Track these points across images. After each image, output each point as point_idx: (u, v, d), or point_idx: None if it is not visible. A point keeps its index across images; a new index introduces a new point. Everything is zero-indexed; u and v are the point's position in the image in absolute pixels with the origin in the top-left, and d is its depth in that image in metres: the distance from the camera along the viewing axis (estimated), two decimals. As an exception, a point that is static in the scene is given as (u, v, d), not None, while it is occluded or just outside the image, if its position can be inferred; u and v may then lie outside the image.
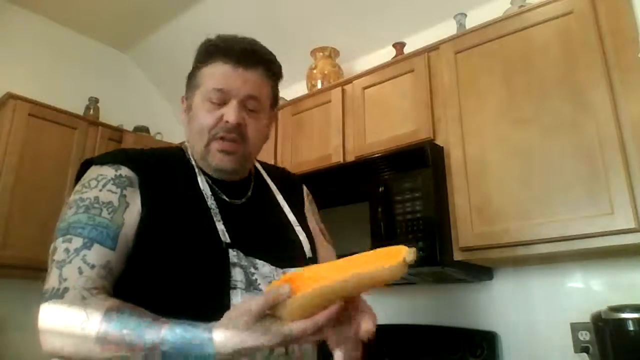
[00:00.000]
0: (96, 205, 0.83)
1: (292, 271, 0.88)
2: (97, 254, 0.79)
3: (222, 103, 0.92)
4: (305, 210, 1.10)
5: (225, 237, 0.87)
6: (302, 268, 0.75)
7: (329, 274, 0.67)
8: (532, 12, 1.71)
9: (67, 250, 0.78)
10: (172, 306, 0.74)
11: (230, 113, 0.90)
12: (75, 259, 0.77)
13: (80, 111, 2.84)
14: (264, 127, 0.98)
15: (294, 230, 1.00)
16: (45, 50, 3.00)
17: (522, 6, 1.83)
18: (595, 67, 1.52)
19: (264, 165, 1.13)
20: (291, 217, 1.02)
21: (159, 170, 0.92)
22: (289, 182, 1.13)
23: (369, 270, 0.66)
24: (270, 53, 0.99)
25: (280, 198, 1.04)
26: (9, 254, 2.25)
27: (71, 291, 0.74)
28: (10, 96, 2.47)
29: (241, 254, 0.86)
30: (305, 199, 1.13)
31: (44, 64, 2.96)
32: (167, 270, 0.83)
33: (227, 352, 0.66)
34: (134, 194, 0.87)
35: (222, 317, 0.74)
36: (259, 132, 0.96)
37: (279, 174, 1.14)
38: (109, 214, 0.83)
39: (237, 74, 0.92)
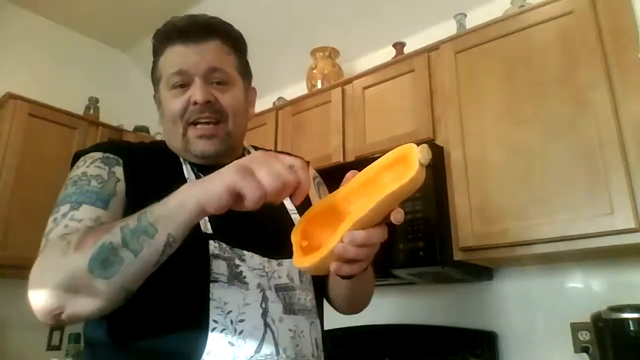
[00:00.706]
0: (84, 178, 0.80)
1: (287, 262, 0.84)
2: (84, 212, 0.75)
3: (186, 85, 0.86)
4: (309, 194, 1.02)
5: (206, 227, 0.81)
6: (321, 200, 0.71)
7: (351, 209, 0.65)
8: (532, 12, 1.71)
9: (54, 219, 0.76)
10: (149, 298, 0.72)
11: (196, 92, 0.85)
12: (62, 221, 0.74)
13: (80, 111, 2.83)
14: (239, 98, 0.91)
15: (290, 218, 0.92)
16: (45, 50, 3.00)
17: (522, 6, 1.83)
18: (595, 67, 1.52)
19: (260, 149, 1.05)
20: (288, 204, 0.93)
21: (143, 159, 0.89)
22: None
23: (392, 191, 0.62)
24: (225, 22, 0.92)
25: None
26: (9, 254, 2.25)
27: (50, 240, 0.72)
28: (10, 96, 2.47)
29: (224, 245, 0.80)
30: (312, 181, 1.04)
31: (44, 64, 2.96)
32: None
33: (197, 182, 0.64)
34: (121, 173, 0.84)
35: (201, 310, 0.72)
36: (235, 104, 0.89)
37: None
38: (98, 184, 0.79)
39: (191, 50, 0.86)
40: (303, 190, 0.64)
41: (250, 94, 0.99)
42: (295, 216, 0.92)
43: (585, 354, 1.56)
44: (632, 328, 1.38)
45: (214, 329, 0.74)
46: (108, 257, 0.63)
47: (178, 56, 0.87)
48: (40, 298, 0.65)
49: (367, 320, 2.07)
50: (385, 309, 2.09)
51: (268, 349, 0.76)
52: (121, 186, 0.82)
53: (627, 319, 1.39)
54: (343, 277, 0.71)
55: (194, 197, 0.63)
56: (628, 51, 1.48)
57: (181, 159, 0.92)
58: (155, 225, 0.64)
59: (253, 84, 1.01)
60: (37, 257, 0.70)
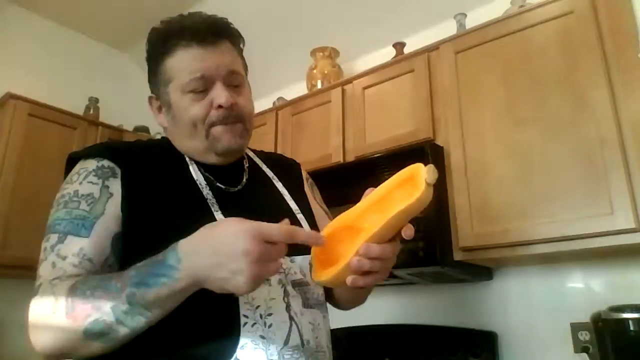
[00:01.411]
0: (75, 199, 0.80)
1: (298, 259, 0.86)
2: (69, 245, 0.76)
3: (205, 89, 0.86)
4: (307, 194, 1.05)
5: None
6: (332, 221, 0.76)
7: (365, 225, 0.69)
8: (532, 12, 1.71)
9: (45, 249, 0.77)
10: (187, 303, 0.71)
11: (220, 96, 0.85)
12: (50, 255, 0.76)
13: (80, 111, 2.83)
14: (250, 100, 0.94)
15: (295, 218, 0.93)
16: (45, 50, 3.00)
17: (522, 6, 1.83)
18: (595, 67, 1.52)
19: (256, 151, 1.07)
20: (292, 204, 0.95)
21: (145, 162, 0.87)
22: (286, 167, 1.07)
23: (400, 210, 0.67)
24: (227, 21, 0.92)
25: (279, 185, 0.98)
26: (9, 254, 2.25)
27: (43, 284, 0.73)
28: (10, 96, 2.46)
29: None
30: (305, 182, 1.08)
31: (44, 64, 2.96)
32: None
33: (191, 267, 0.64)
34: (117, 185, 0.82)
35: (231, 306, 0.74)
36: (249, 106, 0.92)
37: (275, 159, 1.08)
38: (87, 205, 0.79)
39: (208, 53, 0.85)
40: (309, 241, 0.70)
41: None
42: (300, 216, 0.94)
43: (585, 354, 1.56)
44: (632, 328, 1.38)
45: (245, 323, 0.75)
46: (103, 331, 0.66)
47: (196, 60, 0.85)
48: (41, 346, 0.71)
49: (367, 320, 2.08)
50: (385, 309, 2.09)
51: (295, 340, 0.79)
52: (113, 202, 0.81)
53: (627, 319, 1.39)
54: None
55: (197, 286, 0.66)
56: (628, 51, 1.48)
57: (187, 159, 0.91)
58: (150, 308, 0.66)
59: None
60: (33, 297, 0.73)
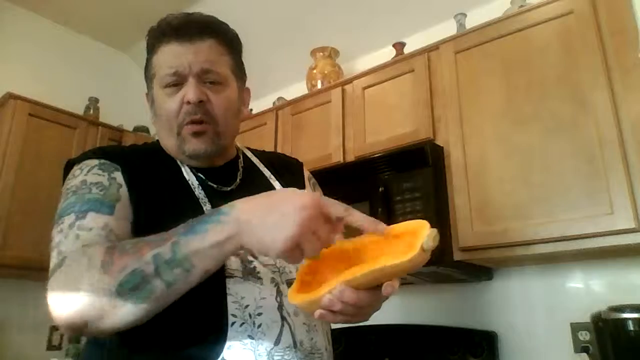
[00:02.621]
0: (84, 187, 0.78)
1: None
2: (92, 219, 0.73)
3: (180, 84, 0.86)
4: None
5: None
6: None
7: (360, 260, 0.67)
8: (532, 12, 1.71)
9: (60, 230, 0.73)
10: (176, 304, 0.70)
11: (189, 92, 0.84)
12: (71, 232, 0.72)
13: (80, 111, 2.84)
14: (231, 99, 0.90)
15: None
16: (45, 50, 3.00)
17: (522, 6, 1.83)
18: (595, 67, 1.52)
19: (256, 151, 1.06)
20: None
21: (139, 163, 0.87)
22: (286, 166, 1.05)
23: (386, 265, 0.65)
24: (221, 22, 0.91)
25: (277, 185, 0.96)
26: (9, 254, 2.25)
27: (69, 255, 0.68)
28: (10, 96, 2.47)
29: None
30: (307, 182, 1.06)
31: (44, 64, 2.96)
32: None
33: (242, 209, 0.62)
34: (121, 179, 0.82)
35: (219, 305, 0.73)
36: (226, 105, 0.89)
37: (275, 159, 1.07)
38: (100, 191, 0.78)
39: (185, 49, 0.85)
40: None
41: (244, 94, 0.98)
42: None
43: (585, 354, 1.56)
44: (632, 328, 1.38)
45: (233, 323, 0.74)
46: (139, 285, 0.62)
47: (172, 55, 0.86)
48: (64, 313, 0.64)
49: (367, 320, 2.08)
50: (385, 309, 2.07)
51: (286, 341, 0.77)
52: (124, 191, 0.80)
53: (627, 319, 1.39)
54: None
55: (238, 240, 0.62)
56: (628, 51, 1.48)
57: (178, 162, 0.91)
58: (191, 259, 0.62)
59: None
60: (54, 271, 0.68)
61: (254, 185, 0.93)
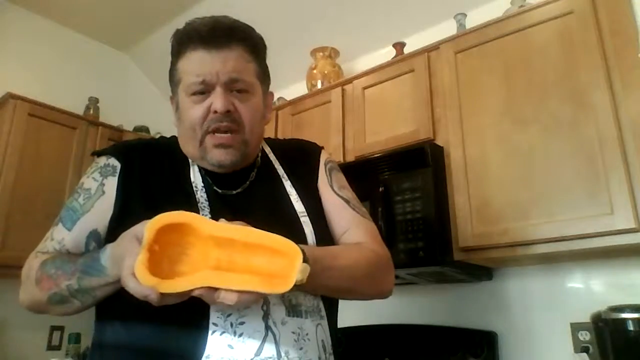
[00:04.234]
0: (79, 190, 0.91)
1: None
2: (57, 231, 0.89)
3: (207, 92, 0.86)
4: (319, 184, 0.99)
5: None
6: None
7: (224, 276, 0.67)
8: (532, 12, 1.71)
9: (52, 226, 0.92)
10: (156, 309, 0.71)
11: (217, 101, 0.85)
12: (49, 232, 0.90)
13: (80, 111, 2.84)
14: (257, 107, 0.91)
15: (298, 220, 0.90)
16: (45, 50, 3.00)
17: (522, 6, 1.83)
18: (595, 67, 1.52)
19: (275, 142, 1.05)
20: (298, 206, 0.92)
21: (147, 161, 0.91)
22: (302, 156, 1.03)
23: (262, 291, 0.67)
24: (246, 26, 0.92)
25: (288, 185, 0.95)
26: (9, 254, 2.25)
27: (33, 252, 0.89)
28: (10, 96, 2.47)
29: None
30: (321, 169, 1.01)
31: (44, 64, 2.96)
32: None
33: (113, 266, 0.74)
34: (113, 184, 0.88)
35: (202, 313, 0.75)
36: (253, 114, 0.89)
37: (292, 149, 1.05)
38: (83, 199, 0.89)
39: (212, 57, 0.85)
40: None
41: (268, 98, 0.98)
42: (304, 219, 0.90)
43: (585, 354, 1.56)
44: (632, 328, 1.38)
45: (214, 331, 0.74)
46: (62, 301, 0.81)
47: (200, 63, 0.86)
48: (21, 300, 0.88)
49: (367, 320, 2.08)
50: (385, 309, 2.09)
51: (269, 351, 0.75)
52: (104, 201, 0.88)
53: (627, 319, 1.39)
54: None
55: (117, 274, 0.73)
56: (628, 51, 1.48)
57: (190, 161, 0.92)
58: (94, 292, 0.79)
59: None
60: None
61: (264, 187, 0.94)
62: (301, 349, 0.79)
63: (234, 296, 0.65)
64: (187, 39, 0.88)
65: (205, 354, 0.73)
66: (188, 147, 0.92)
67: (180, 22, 0.94)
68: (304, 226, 0.89)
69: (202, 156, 0.89)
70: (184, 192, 0.87)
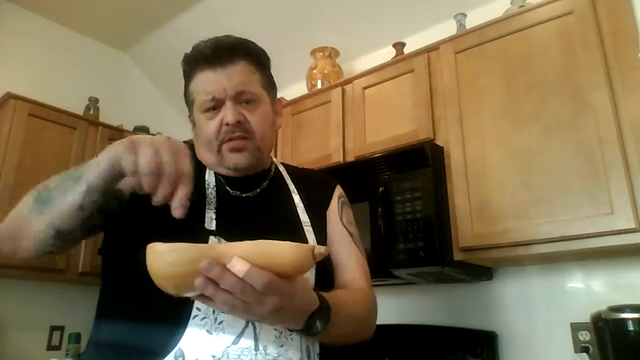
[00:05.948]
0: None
1: None
2: None
3: (218, 107, 0.92)
4: (329, 211, 1.05)
5: (210, 224, 0.86)
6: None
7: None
8: (532, 12, 1.72)
9: None
10: (139, 284, 0.70)
11: (227, 114, 0.91)
12: None
13: (80, 111, 2.84)
14: (266, 115, 0.97)
15: (302, 230, 0.95)
16: (45, 50, 3.00)
17: (522, 6, 1.83)
18: (595, 67, 1.52)
19: (290, 167, 1.11)
20: (303, 217, 0.97)
21: None
22: (315, 183, 1.09)
23: (277, 243, 0.65)
24: (247, 41, 0.98)
25: (297, 198, 1.01)
26: (9, 254, 2.25)
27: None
28: (10, 96, 2.47)
29: (224, 242, 0.82)
30: (334, 200, 1.07)
31: (44, 64, 2.96)
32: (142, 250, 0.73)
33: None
34: None
35: (179, 303, 0.74)
36: (262, 121, 0.95)
37: (305, 175, 1.11)
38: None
39: (218, 74, 0.92)
40: (181, 193, 0.68)
41: (276, 105, 1.03)
42: (307, 228, 0.95)
43: (585, 354, 1.56)
44: (632, 328, 1.38)
45: (195, 316, 0.76)
46: (41, 194, 0.78)
47: (208, 82, 0.92)
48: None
49: (367, 320, 2.08)
50: (385, 309, 2.08)
51: (246, 342, 0.77)
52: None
53: (627, 319, 1.39)
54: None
55: (117, 163, 0.70)
56: (628, 51, 1.48)
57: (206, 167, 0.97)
58: (81, 180, 0.74)
59: None
60: None
61: (274, 195, 0.99)
62: (282, 346, 0.80)
63: (245, 266, 0.63)
64: (194, 62, 0.94)
65: (183, 338, 0.75)
66: (206, 157, 0.97)
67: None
68: (307, 234, 0.94)
69: (220, 162, 0.94)
70: (196, 188, 0.88)
